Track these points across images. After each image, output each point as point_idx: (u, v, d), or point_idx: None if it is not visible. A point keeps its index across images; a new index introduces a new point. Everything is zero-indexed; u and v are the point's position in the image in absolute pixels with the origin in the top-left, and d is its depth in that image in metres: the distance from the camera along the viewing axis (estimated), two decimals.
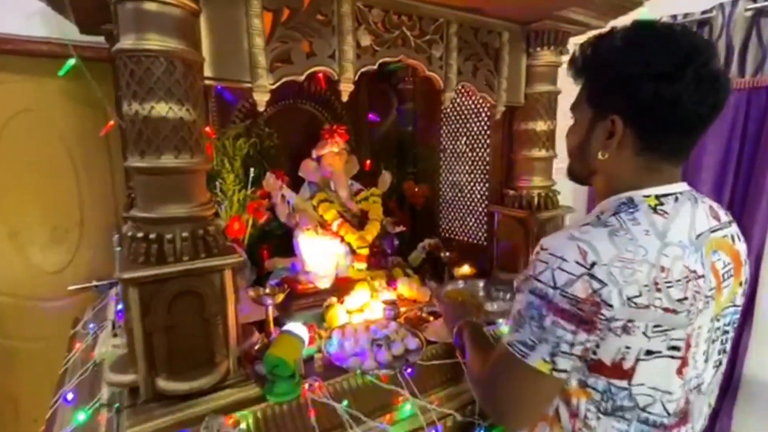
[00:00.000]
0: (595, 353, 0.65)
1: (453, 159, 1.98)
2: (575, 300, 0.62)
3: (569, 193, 1.62)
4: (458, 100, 1.87)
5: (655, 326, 0.63)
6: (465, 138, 1.89)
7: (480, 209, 1.85)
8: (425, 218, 2.08)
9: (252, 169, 1.53)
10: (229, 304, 0.95)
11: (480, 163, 1.82)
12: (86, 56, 1.62)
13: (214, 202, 1.46)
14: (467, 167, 1.90)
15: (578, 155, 0.79)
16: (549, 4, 1.27)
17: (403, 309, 1.39)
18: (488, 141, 1.76)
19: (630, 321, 0.62)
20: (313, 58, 1.06)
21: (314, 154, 1.68)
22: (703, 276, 0.66)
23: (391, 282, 1.51)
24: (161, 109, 0.84)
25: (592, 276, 0.61)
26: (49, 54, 1.71)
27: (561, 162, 1.57)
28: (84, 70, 1.59)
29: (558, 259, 0.64)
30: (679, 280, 0.63)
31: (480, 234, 1.86)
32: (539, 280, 0.66)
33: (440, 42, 1.26)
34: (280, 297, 1.29)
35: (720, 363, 0.76)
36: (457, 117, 1.91)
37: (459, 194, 1.97)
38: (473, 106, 1.81)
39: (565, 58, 1.51)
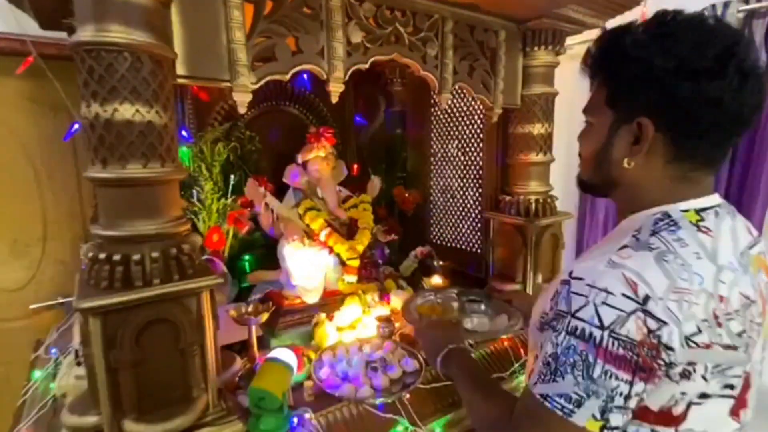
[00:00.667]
0: (641, 400, 0.55)
1: (444, 163, 1.90)
2: (631, 343, 0.51)
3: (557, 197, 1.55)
4: (450, 102, 1.80)
5: (715, 366, 0.54)
6: (457, 141, 1.82)
7: (473, 215, 1.78)
8: (415, 225, 2.00)
9: (232, 176, 1.42)
10: (208, 331, 0.84)
11: (473, 167, 1.75)
12: (47, 54, 1.49)
13: (190, 212, 1.36)
14: (459, 172, 1.82)
15: (595, 164, 0.69)
16: (548, 1, 1.20)
17: (397, 324, 1.30)
18: (481, 144, 1.69)
19: (690, 364, 0.53)
20: (299, 56, 0.96)
21: (299, 158, 1.58)
22: (755, 302, 0.59)
23: (383, 295, 1.41)
24: (126, 111, 0.73)
25: (647, 313, 0.51)
26: (6, 51, 1.56)
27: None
28: (45, 68, 1.46)
29: (601, 292, 0.53)
30: (737, 310, 0.56)
31: (473, 241, 1.79)
32: (580, 318, 0.54)
33: (435, 40, 1.17)
34: (265, 316, 1.18)
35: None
36: (448, 120, 1.84)
37: (451, 200, 1.89)
38: (465, 109, 1.74)
39: (562, 59, 1.46)
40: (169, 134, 0.79)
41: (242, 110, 0.91)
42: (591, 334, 0.53)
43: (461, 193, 1.83)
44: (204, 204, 1.37)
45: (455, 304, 1.27)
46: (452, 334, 0.95)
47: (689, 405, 0.55)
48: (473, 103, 1.69)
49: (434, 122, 1.92)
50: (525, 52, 1.39)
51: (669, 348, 0.51)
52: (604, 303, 0.53)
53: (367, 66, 1.06)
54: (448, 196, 1.90)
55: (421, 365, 1.08)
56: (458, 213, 1.87)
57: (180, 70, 0.83)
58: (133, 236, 0.76)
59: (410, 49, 1.13)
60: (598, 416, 0.53)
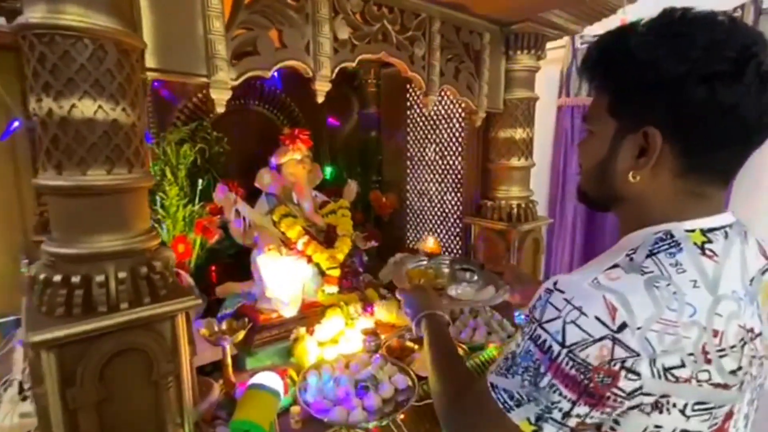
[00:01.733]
0: (614, 430, 0.53)
1: (421, 167, 1.86)
2: (584, 367, 0.49)
3: None
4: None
5: (698, 403, 0.50)
6: (434, 145, 1.78)
7: (452, 220, 1.75)
8: (391, 230, 1.94)
9: (200, 181, 1.31)
10: (184, 359, 0.74)
11: (451, 171, 1.72)
12: None
13: (153, 220, 1.22)
14: (437, 176, 1.79)
15: (598, 176, 0.62)
16: (532, 3, 1.18)
17: (383, 336, 1.24)
18: (460, 148, 1.67)
19: (664, 396, 0.49)
20: (283, 51, 0.88)
21: (273, 161, 1.48)
22: (760, 334, 0.54)
23: (366, 306, 1.35)
24: (87, 108, 0.62)
25: (617, 342, 0.48)
26: None
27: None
28: None
29: (575, 310, 0.50)
30: (734, 346, 0.51)
31: (453, 246, 1.76)
32: (545, 329, 0.52)
33: (423, 39, 1.13)
34: (241, 335, 1.08)
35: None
36: (426, 123, 1.80)
37: (428, 204, 1.85)
38: (443, 112, 1.71)
39: (542, 63, 1.46)
40: (137, 135, 0.69)
41: (220, 110, 0.82)
42: (550, 347, 0.52)
43: (439, 197, 1.80)
44: (168, 211, 1.24)
45: (446, 271, 1.22)
46: (433, 299, 0.94)
47: None
48: (452, 106, 1.66)
49: (410, 125, 1.88)
50: (508, 56, 1.38)
51: (634, 372, 0.48)
52: (573, 322, 0.50)
53: (354, 64, 1.00)
54: (426, 200, 1.86)
55: (413, 381, 1.03)
56: (436, 218, 1.83)
57: (150, 62, 0.73)
58: (96, 254, 0.65)
59: (398, 48, 1.08)
60: (533, 420, 0.53)
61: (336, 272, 1.37)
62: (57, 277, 0.63)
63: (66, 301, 0.63)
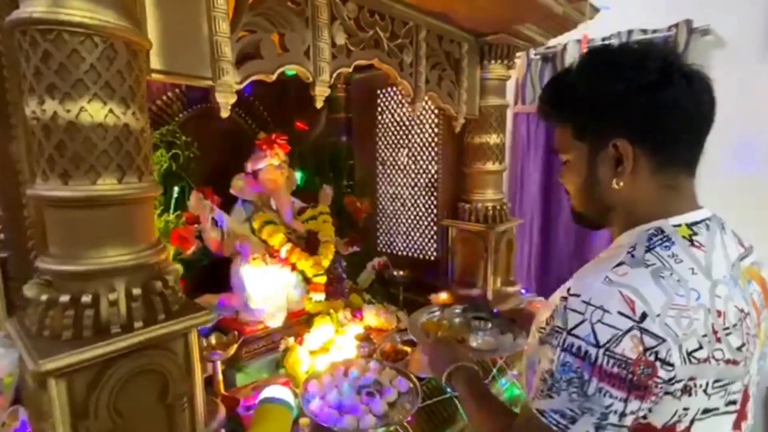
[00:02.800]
0: (645, 417, 0.55)
1: (393, 171, 1.88)
2: (626, 361, 0.52)
3: None
4: (399, 110, 1.79)
5: (716, 381, 0.56)
6: (407, 150, 1.81)
7: (426, 223, 1.79)
8: (364, 235, 1.94)
9: (176, 188, 1.23)
10: (197, 379, 0.70)
11: (424, 175, 1.76)
12: None
13: None
14: (410, 180, 1.82)
15: (588, 195, 0.69)
16: (510, 17, 1.26)
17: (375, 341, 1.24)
18: (434, 153, 1.71)
19: (691, 379, 0.54)
20: (286, 55, 0.86)
21: (249, 167, 1.43)
22: (749, 313, 0.60)
23: (355, 312, 1.34)
24: (96, 111, 0.57)
25: (644, 330, 0.52)
26: None
27: None
28: None
29: (597, 309, 0.53)
30: (735, 324, 0.57)
31: (428, 249, 1.80)
32: (576, 336, 0.54)
33: (410, 47, 1.15)
34: (233, 349, 1.04)
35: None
36: (397, 128, 1.83)
37: (401, 208, 1.88)
38: (416, 118, 1.75)
39: (513, 72, 1.54)
40: (147, 141, 0.64)
41: (225, 114, 0.78)
42: (587, 352, 0.53)
43: (413, 201, 1.83)
44: None
45: (459, 321, 1.25)
46: (458, 351, 0.94)
47: (692, 421, 0.56)
48: (424, 112, 1.70)
49: (381, 130, 1.90)
50: (482, 65, 1.44)
51: (668, 364, 0.52)
52: (600, 321, 0.53)
53: (350, 69, 1.00)
54: (399, 204, 1.89)
55: (414, 383, 1.04)
56: (410, 221, 1.86)
57: (155, 63, 0.68)
58: (106, 270, 0.60)
59: (389, 55, 1.09)
60: None
61: (322, 279, 1.35)
62: (64, 298, 0.57)
63: (74, 323, 0.57)
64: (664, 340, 0.52)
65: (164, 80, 0.71)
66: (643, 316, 0.52)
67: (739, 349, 0.57)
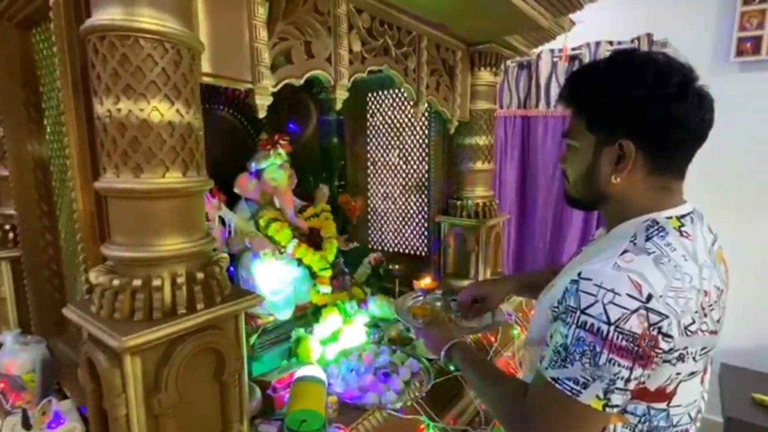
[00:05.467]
0: (643, 383, 0.64)
1: (384, 171, 1.97)
2: (632, 336, 0.59)
3: None
4: (389, 113, 1.88)
5: (702, 349, 0.65)
6: (397, 151, 1.90)
7: (417, 220, 1.88)
8: (357, 232, 2.02)
9: None
10: (244, 359, 0.76)
11: (415, 175, 1.86)
12: None
13: None
14: (401, 179, 1.91)
15: (586, 182, 0.76)
16: (502, 29, 1.37)
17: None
18: (425, 153, 1.81)
19: (685, 348, 0.63)
20: (312, 61, 0.93)
21: (252, 167, 1.47)
22: (723, 290, 0.70)
23: (361, 303, 1.41)
24: (165, 111, 0.63)
25: (650, 309, 0.59)
26: None
27: None
28: None
29: (609, 292, 0.61)
30: (716, 301, 0.66)
31: (419, 245, 1.89)
32: (589, 314, 0.61)
33: (414, 54, 1.24)
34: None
35: None
36: (388, 129, 1.92)
37: (392, 207, 1.97)
38: (406, 120, 1.84)
39: (500, 79, 1.66)
40: (202, 138, 0.70)
41: (262, 114, 0.84)
42: (599, 328, 0.60)
43: (404, 199, 1.92)
44: None
45: (440, 303, 1.33)
46: (451, 329, 1.01)
47: (680, 383, 0.66)
48: (413, 115, 1.79)
49: (372, 131, 1.98)
50: (473, 72, 1.55)
51: (669, 336, 0.60)
52: (611, 302, 0.60)
53: (365, 75, 1.08)
54: (390, 203, 1.97)
55: (424, 364, 1.13)
56: (400, 219, 1.95)
57: (205, 67, 0.74)
58: (171, 256, 0.65)
59: (396, 61, 1.18)
60: (602, 396, 0.62)
61: (328, 272, 1.42)
62: (137, 282, 0.62)
63: (145, 305, 0.62)
64: (666, 317, 0.60)
65: (212, 83, 0.77)
66: (649, 297, 0.60)
67: (718, 321, 0.68)
